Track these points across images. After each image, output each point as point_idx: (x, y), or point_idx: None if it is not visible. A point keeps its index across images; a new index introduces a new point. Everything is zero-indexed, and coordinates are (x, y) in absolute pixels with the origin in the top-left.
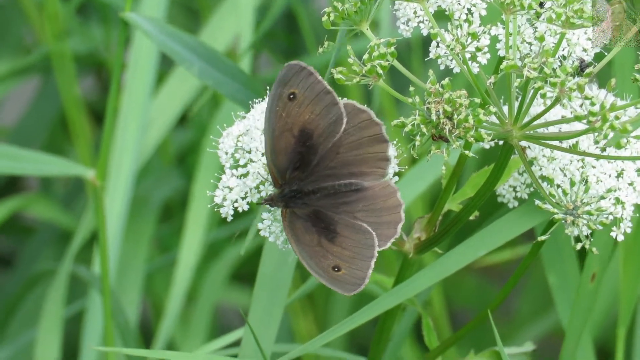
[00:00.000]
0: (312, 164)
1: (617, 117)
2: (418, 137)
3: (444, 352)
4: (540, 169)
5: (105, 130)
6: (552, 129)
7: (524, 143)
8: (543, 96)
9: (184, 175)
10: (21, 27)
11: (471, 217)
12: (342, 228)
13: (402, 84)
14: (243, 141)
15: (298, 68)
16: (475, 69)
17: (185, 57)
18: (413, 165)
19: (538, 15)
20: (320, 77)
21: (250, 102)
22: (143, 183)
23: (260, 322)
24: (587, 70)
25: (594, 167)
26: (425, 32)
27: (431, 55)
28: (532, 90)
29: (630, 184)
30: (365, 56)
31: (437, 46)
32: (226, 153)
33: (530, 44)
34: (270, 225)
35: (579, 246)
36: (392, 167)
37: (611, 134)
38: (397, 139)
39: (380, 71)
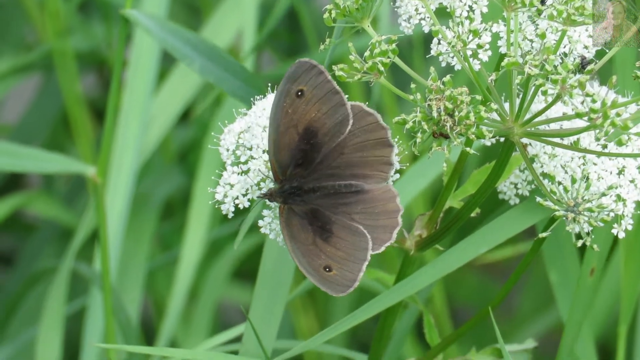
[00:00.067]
0: (314, 162)
1: (618, 114)
2: (419, 134)
3: (445, 350)
4: (542, 166)
5: (106, 128)
6: (554, 126)
7: (525, 140)
8: (544, 93)
9: (185, 173)
10: (23, 25)
11: (472, 214)
12: (338, 228)
13: (404, 81)
14: (244, 138)
15: (308, 66)
16: (476, 66)
17: (186, 54)
18: (414, 162)
19: (539, 12)
20: (329, 77)
21: (251, 99)
22: (144, 180)
23: (262, 319)
24: (589, 68)
25: (595, 164)
26: (426, 29)
27: (432, 53)
28: (533, 88)
29: (632, 181)
30: (367, 53)
31: (439, 43)
32: (227, 150)
33: (531, 41)
34: (270, 223)
35: (580, 243)
36: (394, 171)
37: (612, 131)
38: (398, 136)
39: (382, 68)
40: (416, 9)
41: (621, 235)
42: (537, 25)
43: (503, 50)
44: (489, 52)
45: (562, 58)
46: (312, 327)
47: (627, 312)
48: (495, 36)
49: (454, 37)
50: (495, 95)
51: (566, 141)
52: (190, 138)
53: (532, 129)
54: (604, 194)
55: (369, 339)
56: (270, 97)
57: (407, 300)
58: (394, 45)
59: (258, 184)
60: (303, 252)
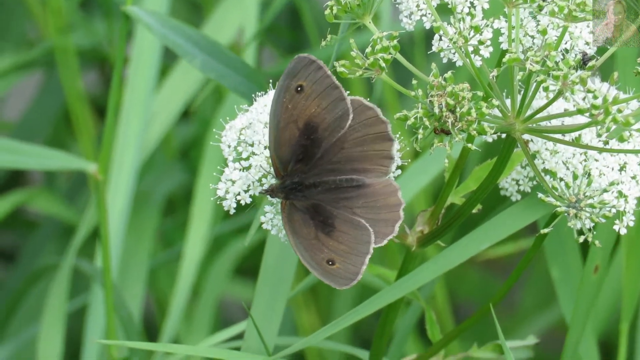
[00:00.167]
0: (315, 158)
1: (619, 110)
2: (421, 130)
3: (447, 346)
4: (543, 162)
5: (107, 124)
6: (555, 122)
7: (526, 136)
8: (546, 89)
9: (187, 170)
10: (24, 22)
11: (474, 211)
12: (340, 223)
13: (405, 77)
14: (246, 134)
15: (307, 61)
16: (477, 62)
17: (187, 51)
18: (416, 158)
19: (540, 8)
20: (329, 72)
21: (253, 95)
22: (146, 177)
23: (263, 315)
24: (590, 64)
25: (596, 160)
26: (428, 26)
27: (434, 49)
28: (534, 84)
29: (633, 177)
30: (368, 49)
31: (440, 39)
32: (229, 146)
33: (532, 37)
34: (272, 219)
35: (581, 239)
36: (395, 166)
37: (614, 127)
38: (399, 132)
39: (383, 64)
40: (417, 5)
41: (623, 231)
42: (539, 21)
43: (504, 46)
44: (491, 49)
45: (563, 54)
46: (313, 324)
47: (629, 309)
48: (497, 32)
49: (455, 33)
50: (497, 91)
51: (568, 137)
52: (191, 135)
53: (534, 125)
54: (605, 190)
55: (370, 335)
56: (272, 94)
57: (409, 296)
58: (395, 42)
59: (260, 180)
60: (306, 247)
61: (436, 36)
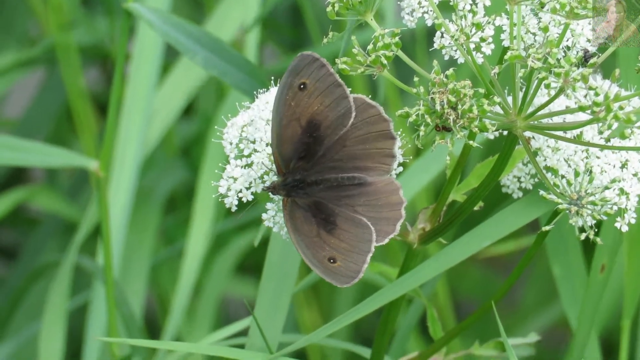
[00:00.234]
0: (317, 155)
1: (621, 108)
2: (422, 128)
3: (449, 343)
4: (545, 160)
5: (108, 122)
6: (557, 120)
7: (528, 133)
8: (547, 86)
9: (188, 167)
10: (26, 19)
11: (475, 208)
12: (341, 221)
13: (407, 74)
14: (247, 131)
15: (311, 59)
16: (479, 59)
17: (189, 47)
18: (417, 155)
19: (542, 5)
20: (332, 70)
21: (254, 92)
22: (148, 174)
23: (267, 313)
24: (591, 61)
25: (598, 157)
26: (429, 23)
27: (435, 46)
28: (536, 81)
29: (635, 175)
30: (370, 46)
31: (442, 37)
32: (230, 143)
33: (534, 34)
34: (274, 216)
35: (583, 236)
36: (396, 165)
37: (615, 125)
38: (401, 130)
39: (385, 61)
40: (419, 3)
41: (624, 228)
42: (540, 18)
43: (506, 43)
44: (492, 46)
45: (565, 51)
46: (315, 321)
47: (631, 306)
48: (498, 29)
49: (457, 30)
50: (498, 88)
51: (569, 134)
52: (193, 132)
53: (535, 122)
54: (607, 187)
55: (372, 333)
56: (274, 91)
57: (411, 294)
58: (397, 39)
59: (261, 177)
60: (307, 244)
61: (438, 33)
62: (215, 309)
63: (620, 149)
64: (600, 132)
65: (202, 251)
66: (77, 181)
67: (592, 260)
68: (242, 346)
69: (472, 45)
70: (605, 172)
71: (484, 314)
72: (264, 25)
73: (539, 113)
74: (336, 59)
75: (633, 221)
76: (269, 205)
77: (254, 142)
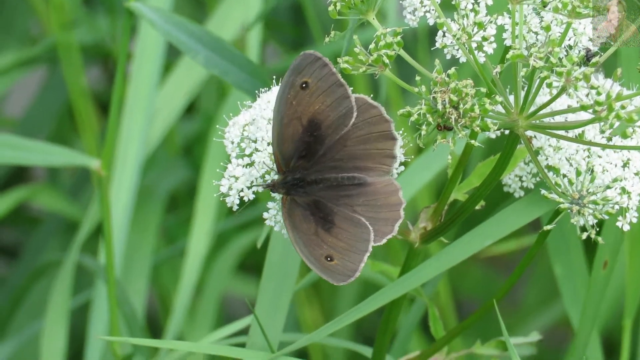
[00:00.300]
0: (317, 154)
1: (623, 107)
2: (424, 127)
3: (450, 342)
4: (546, 159)
5: (110, 121)
6: (558, 119)
7: (530, 133)
8: (549, 86)
9: (190, 166)
10: (27, 18)
11: (477, 207)
12: (340, 220)
13: (409, 73)
14: (249, 130)
15: (313, 58)
16: (481, 58)
17: (190, 46)
18: (419, 154)
19: (544, 4)
20: (334, 69)
21: (256, 91)
22: (149, 173)
23: (268, 312)
24: (593, 60)
25: (599, 156)
26: (431, 22)
27: (437, 45)
28: (538, 80)
29: (636, 174)
30: (372, 45)
31: (444, 36)
32: (232, 142)
33: (536, 33)
34: (275, 215)
35: (584, 236)
36: (397, 165)
37: (617, 124)
38: (403, 129)
39: (387, 60)
40: (421, 2)
41: (626, 228)
42: (542, 17)
43: (508, 42)
44: (494, 45)
45: (567, 50)
46: (316, 320)
47: (632, 305)
48: (500, 29)
49: (458, 29)
50: (500, 87)
51: (571, 134)
52: (195, 131)
53: (537, 121)
54: (608, 187)
55: (373, 332)
56: (275, 90)
57: (412, 293)
58: (399, 38)
59: (263, 176)
60: (305, 242)
61: (440, 32)
62: (217, 308)
63: (622, 148)
64: (602, 131)
65: (203, 250)
66: (79, 180)
67: (593, 260)
68: (243, 345)
69: (474, 45)
70: (607, 171)
71: (485, 313)
72: (265, 24)
73: (541, 112)
74: (338, 58)
75: (635, 220)
76: (270, 204)
77: (255, 141)
